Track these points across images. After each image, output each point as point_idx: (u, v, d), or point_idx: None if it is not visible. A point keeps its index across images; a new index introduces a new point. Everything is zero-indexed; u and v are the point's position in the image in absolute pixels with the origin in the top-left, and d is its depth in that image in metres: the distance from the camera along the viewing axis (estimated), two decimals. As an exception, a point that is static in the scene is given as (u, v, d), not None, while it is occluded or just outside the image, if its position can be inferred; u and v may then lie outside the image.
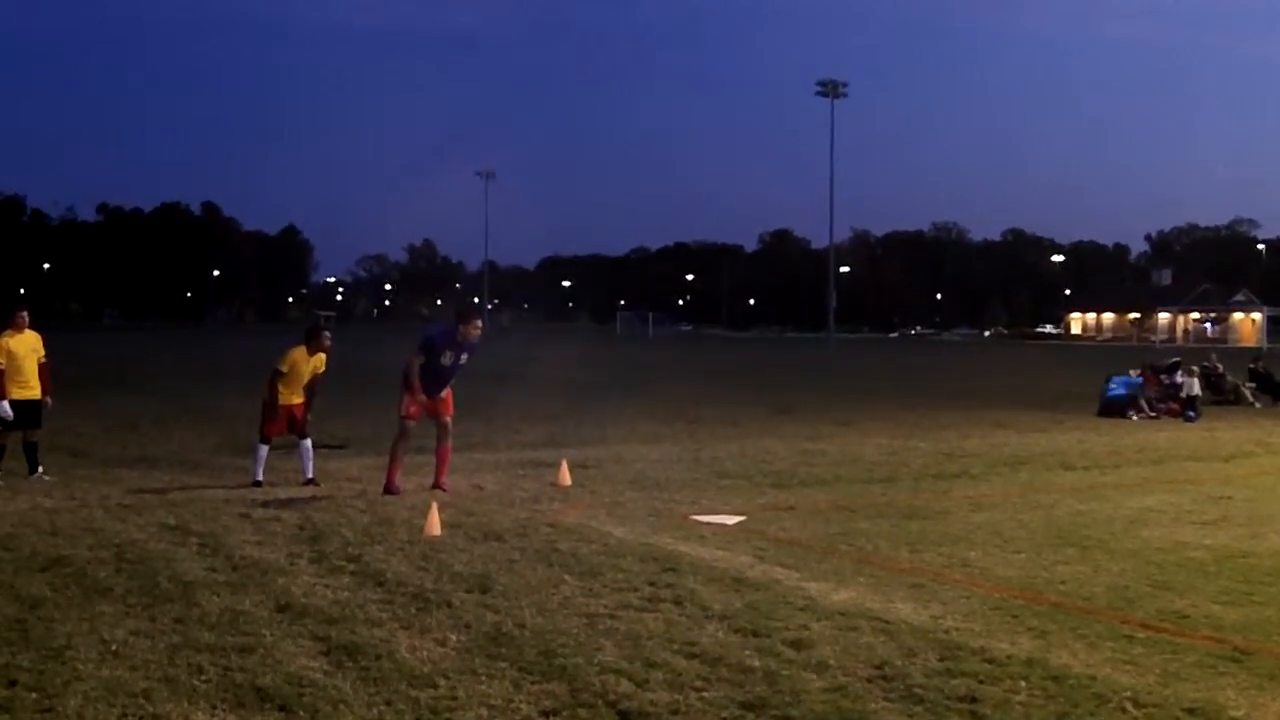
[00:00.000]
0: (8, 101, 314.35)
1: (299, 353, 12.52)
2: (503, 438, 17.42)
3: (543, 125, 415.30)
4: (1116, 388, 23.48)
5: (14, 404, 12.21)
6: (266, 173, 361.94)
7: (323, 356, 12.76)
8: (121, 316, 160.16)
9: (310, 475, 12.40)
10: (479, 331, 12.13)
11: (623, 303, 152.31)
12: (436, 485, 11.97)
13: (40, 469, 12.50)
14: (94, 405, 21.27)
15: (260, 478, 12.29)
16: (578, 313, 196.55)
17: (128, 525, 9.83)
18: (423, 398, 11.78)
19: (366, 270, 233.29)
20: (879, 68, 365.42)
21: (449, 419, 12.18)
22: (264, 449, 12.45)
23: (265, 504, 11.00)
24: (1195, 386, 24.18)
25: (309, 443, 12.59)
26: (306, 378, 12.65)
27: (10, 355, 12.31)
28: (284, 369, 12.41)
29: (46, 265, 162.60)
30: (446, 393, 12.11)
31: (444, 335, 12.01)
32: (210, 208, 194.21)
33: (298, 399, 12.59)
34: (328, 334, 12.87)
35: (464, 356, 12.02)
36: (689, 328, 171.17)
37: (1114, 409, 22.86)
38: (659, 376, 37.93)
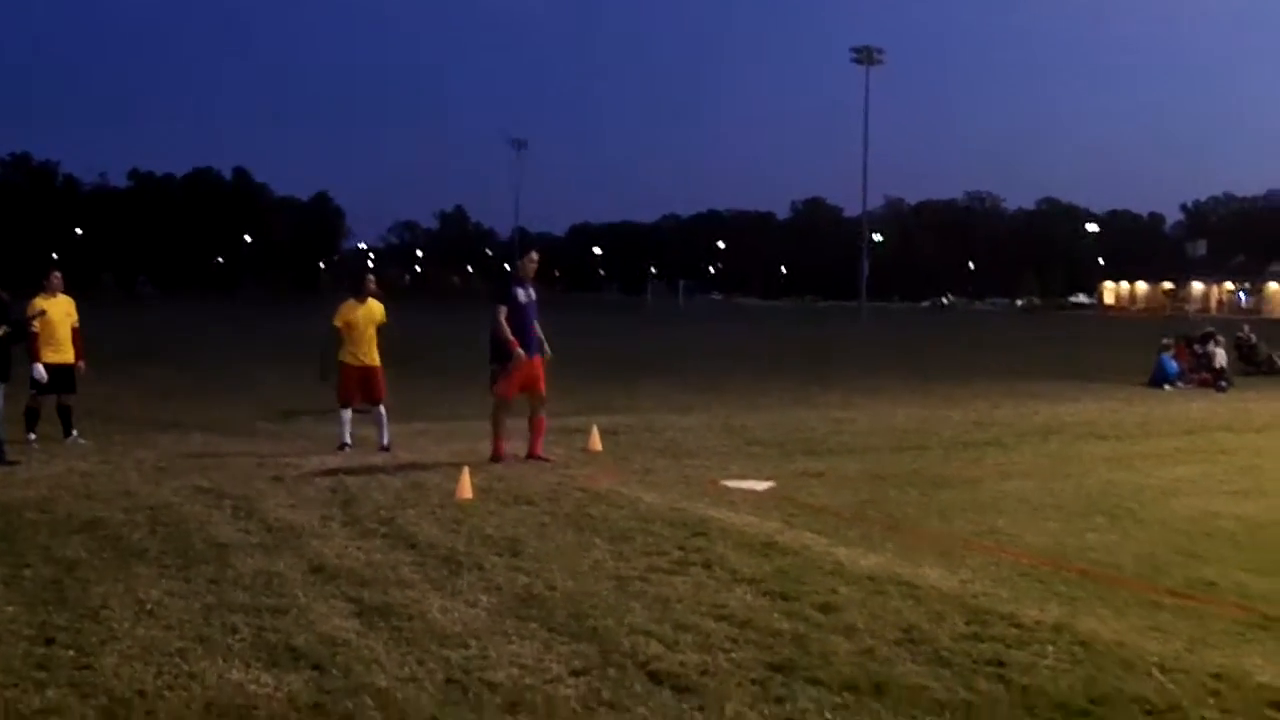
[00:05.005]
0: (41, 69, 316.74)
1: (347, 306, 12.43)
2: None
3: (573, 92, 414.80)
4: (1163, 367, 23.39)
5: (48, 367, 12.30)
6: (297, 139, 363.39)
7: (378, 306, 12.58)
8: (153, 284, 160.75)
9: (385, 443, 12.25)
10: (534, 264, 12.13)
11: (654, 270, 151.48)
12: (533, 455, 11.69)
13: (75, 433, 12.64)
14: (129, 374, 21.44)
15: (347, 440, 12.19)
16: (609, 282, 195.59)
17: (162, 488, 9.94)
18: (521, 353, 11.50)
19: (398, 237, 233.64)
20: (915, 34, 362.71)
21: (543, 393, 11.90)
22: (345, 413, 12.30)
23: (298, 467, 11.10)
24: (1224, 356, 24.05)
25: (383, 410, 12.41)
26: (369, 332, 12.43)
27: (44, 319, 12.35)
28: (339, 324, 12.31)
29: (79, 232, 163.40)
30: (539, 366, 11.84)
31: (508, 279, 11.77)
32: (241, 173, 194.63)
33: (371, 361, 12.41)
34: (371, 278, 12.68)
35: (532, 292, 11.91)
36: (719, 297, 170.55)
37: (1158, 381, 22.96)
38: (690, 349, 37.89)
